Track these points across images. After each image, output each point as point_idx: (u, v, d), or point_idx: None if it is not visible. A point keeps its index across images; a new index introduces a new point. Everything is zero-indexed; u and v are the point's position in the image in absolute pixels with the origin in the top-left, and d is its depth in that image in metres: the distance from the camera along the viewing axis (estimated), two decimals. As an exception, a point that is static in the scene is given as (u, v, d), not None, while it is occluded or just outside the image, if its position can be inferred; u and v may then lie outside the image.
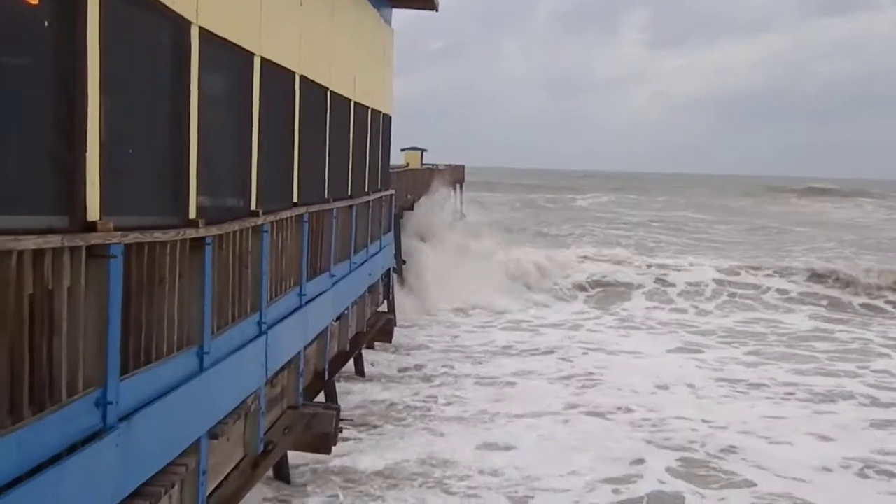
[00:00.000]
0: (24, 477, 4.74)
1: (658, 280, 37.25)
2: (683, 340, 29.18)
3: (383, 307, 22.53)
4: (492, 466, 15.72)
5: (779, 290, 36.51)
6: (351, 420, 17.38)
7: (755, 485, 15.42)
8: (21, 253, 4.79)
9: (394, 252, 24.00)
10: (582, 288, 36.77)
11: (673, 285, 36.76)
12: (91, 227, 5.67)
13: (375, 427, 17.81)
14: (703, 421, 19.13)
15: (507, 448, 16.91)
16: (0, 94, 5.03)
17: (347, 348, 16.49)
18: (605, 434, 18.17)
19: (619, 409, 20.08)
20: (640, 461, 16.37)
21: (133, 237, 6.12)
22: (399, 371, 22.85)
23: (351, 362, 20.45)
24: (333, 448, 12.82)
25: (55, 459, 5.09)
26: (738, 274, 38.09)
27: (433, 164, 61.22)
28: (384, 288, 22.61)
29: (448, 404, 20.03)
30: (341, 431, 12.94)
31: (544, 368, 24.05)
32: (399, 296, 28.25)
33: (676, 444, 17.54)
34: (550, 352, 26.29)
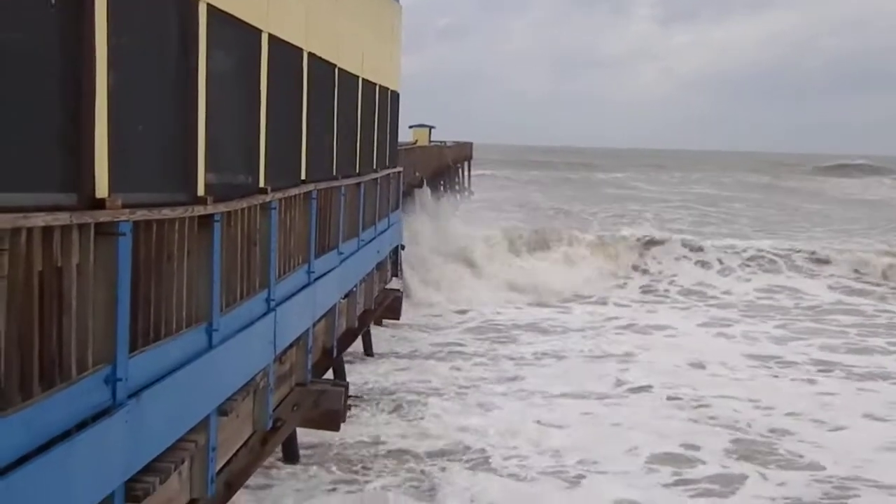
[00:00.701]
0: (34, 453, 4.76)
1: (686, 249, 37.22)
2: (709, 315, 29.43)
3: (392, 284, 22.55)
4: (546, 446, 15.65)
5: (800, 262, 36.44)
6: (360, 397, 17.43)
7: (822, 467, 15.19)
8: (30, 230, 4.80)
9: (402, 229, 23.98)
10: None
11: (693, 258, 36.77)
12: (100, 204, 5.68)
13: (423, 403, 17.94)
14: (750, 401, 18.98)
15: (559, 426, 16.88)
16: (8, 73, 5.03)
17: (356, 325, 16.51)
18: (651, 413, 18.13)
19: (660, 387, 20.02)
20: (693, 441, 16.24)
21: (141, 214, 6.12)
22: (432, 347, 23.10)
23: (359, 341, 20.50)
24: (344, 425, 12.87)
25: (65, 436, 5.11)
26: (761, 250, 38.10)
27: (441, 142, 61.25)
28: (392, 265, 22.63)
29: (490, 382, 20.13)
30: (349, 409, 12.97)
31: (576, 346, 24.25)
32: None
33: (724, 423, 17.42)
34: (581, 329, 26.51)
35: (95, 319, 5.57)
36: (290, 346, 10.89)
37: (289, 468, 13.80)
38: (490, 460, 14.96)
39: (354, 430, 15.64)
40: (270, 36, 9.91)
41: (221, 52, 8.38)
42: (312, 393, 11.83)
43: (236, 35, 9.03)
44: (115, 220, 5.67)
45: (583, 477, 14.45)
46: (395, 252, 23.03)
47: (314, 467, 14.01)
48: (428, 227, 32.84)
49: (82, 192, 5.63)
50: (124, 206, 5.80)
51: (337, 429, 12.81)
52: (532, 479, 14.31)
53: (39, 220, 4.84)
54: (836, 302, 31.87)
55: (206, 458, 7.72)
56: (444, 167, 56.11)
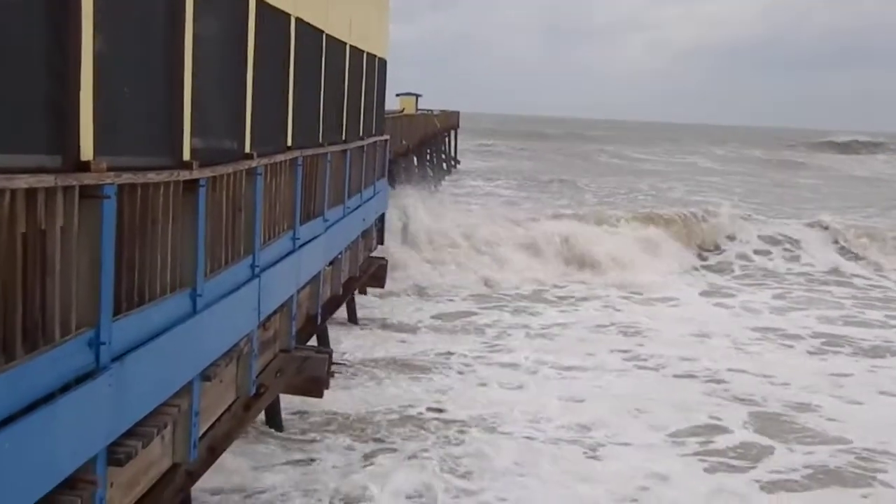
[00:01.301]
0: (18, 415, 4.76)
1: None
2: (707, 282, 30.24)
3: (376, 252, 22.56)
4: (569, 420, 15.73)
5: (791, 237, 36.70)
6: (344, 364, 17.46)
7: (849, 440, 15.33)
8: (14, 192, 4.78)
9: (387, 198, 23.94)
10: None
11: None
12: (84, 167, 5.65)
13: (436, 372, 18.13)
14: (763, 376, 19.19)
15: (579, 400, 17.00)
16: (-8, 32, 4.99)
17: (340, 293, 16.53)
18: (665, 386, 18.31)
19: (670, 359, 20.23)
20: (714, 414, 16.44)
21: (126, 178, 6.09)
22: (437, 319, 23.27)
23: (343, 309, 20.53)
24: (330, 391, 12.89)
25: (48, 398, 5.11)
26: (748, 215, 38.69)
27: (428, 110, 61.11)
28: (378, 233, 22.63)
29: (496, 351, 20.32)
30: (333, 376, 12.99)
31: (581, 318, 24.42)
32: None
33: (740, 397, 17.62)
34: (585, 299, 26.75)
35: (79, 283, 5.56)
36: (275, 312, 10.90)
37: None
38: (502, 427, 15.18)
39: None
40: (258, 1, 9.84)
41: (209, 16, 8.31)
42: (296, 359, 11.86)
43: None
44: (100, 183, 5.65)
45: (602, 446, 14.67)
46: (381, 220, 23.03)
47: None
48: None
49: (67, 155, 5.60)
50: (109, 170, 5.78)
51: (320, 395, 12.84)
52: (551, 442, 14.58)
53: (23, 181, 4.82)
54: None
55: (189, 423, 7.74)
56: (431, 136, 56.02)
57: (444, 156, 68.43)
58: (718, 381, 18.72)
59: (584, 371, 19.16)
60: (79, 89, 5.63)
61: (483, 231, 31.94)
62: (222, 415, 9.21)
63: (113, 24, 6.21)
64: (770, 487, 13.47)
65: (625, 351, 21.05)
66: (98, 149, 5.85)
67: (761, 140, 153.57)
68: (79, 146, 5.68)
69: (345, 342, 19.65)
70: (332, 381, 13.05)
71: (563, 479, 13.24)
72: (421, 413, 15.69)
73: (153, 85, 7.42)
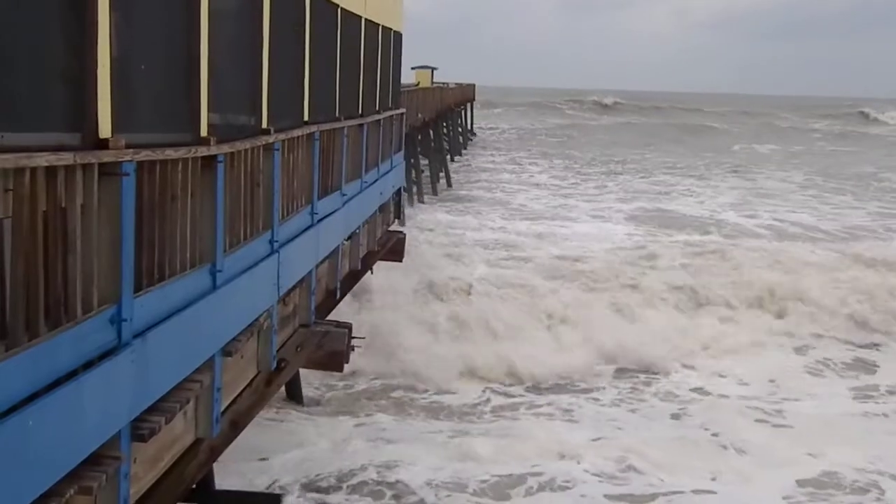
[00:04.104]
0: (42, 392, 4.79)
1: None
2: None
3: (394, 226, 22.53)
4: None
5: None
6: (364, 339, 17.51)
7: None
8: (34, 170, 4.79)
9: (404, 172, 23.88)
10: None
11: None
12: (103, 144, 5.65)
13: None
14: None
15: None
16: (10, 12, 4.98)
17: (359, 267, 16.53)
18: None
19: None
20: None
21: (145, 155, 6.10)
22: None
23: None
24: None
25: (72, 375, 5.14)
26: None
27: (443, 83, 60.96)
28: (395, 207, 22.59)
29: None
30: (353, 350, 13.02)
31: None
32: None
33: None
34: None
35: (100, 260, 5.58)
36: (294, 287, 10.91)
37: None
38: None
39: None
40: (273, -25, 9.80)
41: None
42: (316, 334, 11.87)
43: (239, -26, 8.94)
44: (119, 160, 5.66)
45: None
46: (398, 194, 22.99)
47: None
48: None
49: (86, 133, 5.60)
50: (128, 147, 5.78)
51: (341, 370, 12.87)
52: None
53: (43, 160, 4.82)
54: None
55: (210, 399, 7.78)
56: (447, 109, 55.88)
57: (460, 129, 68.29)
58: None
59: None
60: (96, 66, 5.62)
61: None
62: (244, 390, 9.25)
63: (129, 1, 6.20)
64: None
65: None
66: (116, 126, 5.85)
67: (807, 109, 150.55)
68: (97, 123, 5.68)
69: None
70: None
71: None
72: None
73: (170, 61, 7.42)
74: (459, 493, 13.58)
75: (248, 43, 9.47)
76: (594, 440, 16.21)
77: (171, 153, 6.66)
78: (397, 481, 13.55)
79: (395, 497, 13.41)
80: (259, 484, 13.31)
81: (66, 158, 5.08)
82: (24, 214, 4.77)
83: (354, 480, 13.78)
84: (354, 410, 16.60)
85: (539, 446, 15.26)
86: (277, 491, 13.53)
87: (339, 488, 13.58)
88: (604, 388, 19.68)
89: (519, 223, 35.70)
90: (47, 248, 5.02)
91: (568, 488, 14.14)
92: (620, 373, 20.66)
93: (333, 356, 12.29)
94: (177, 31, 7.45)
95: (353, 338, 12.88)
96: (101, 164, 5.51)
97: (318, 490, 13.47)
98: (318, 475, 13.60)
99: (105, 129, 5.75)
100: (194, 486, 8.22)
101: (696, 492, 14.26)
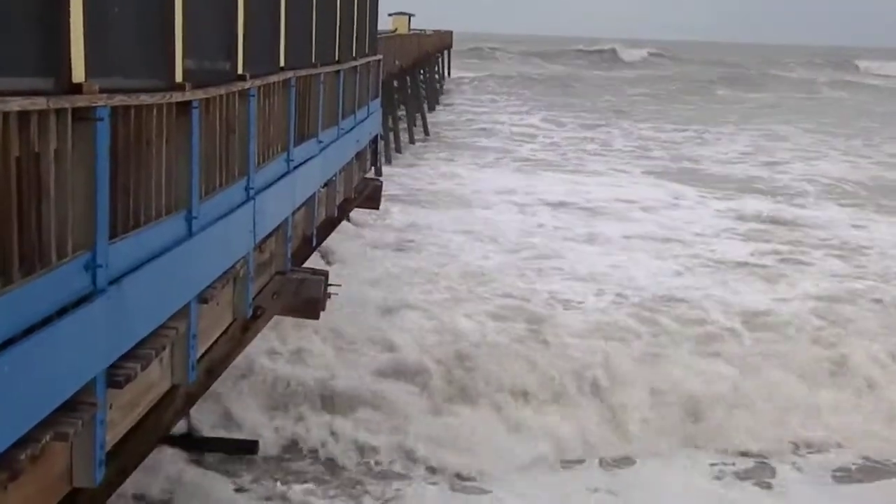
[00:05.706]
0: (17, 339, 4.78)
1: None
2: None
3: (370, 174, 22.48)
4: None
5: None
6: (340, 286, 17.49)
7: None
8: (6, 115, 4.73)
9: (381, 119, 23.79)
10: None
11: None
12: (76, 88, 5.59)
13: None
14: None
15: None
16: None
17: (336, 214, 16.51)
18: None
19: None
20: None
21: (119, 100, 6.04)
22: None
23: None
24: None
25: (47, 322, 5.12)
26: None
27: (421, 30, 60.58)
28: (372, 154, 22.52)
29: None
30: (329, 297, 13.01)
31: None
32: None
33: None
34: None
35: (75, 206, 5.53)
36: (270, 234, 10.88)
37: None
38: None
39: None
40: (249, -83, 9.68)
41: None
42: (292, 281, 11.86)
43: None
44: (93, 105, 5.60)
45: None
46: (375, 141, 22.92)
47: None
48: None
49: (59, 77, 5.54)
50: (101, 92, 5.72)
51: (317, 317, 12.85)
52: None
53: (16, 104, 4.77)
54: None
55: (186, 346, 7.78)
56: (424, 56, 55.59)
57: (437, 76, 67.97)
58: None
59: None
60: (69, 9, 5.54)
61: None
62: (220, 337, 9.26)
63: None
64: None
65: None
66: (90, 71, 5.79)
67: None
68: (70, 68, 5.61)
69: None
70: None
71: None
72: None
73: (145, 5, 7.33)
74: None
75: (224, -13, 9.36)
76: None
77: (145, 98, 6.60)
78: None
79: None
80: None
81: (40, 103, 5.02)
82: (-3, 160, 4.72)
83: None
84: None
85: None
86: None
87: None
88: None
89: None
90: (21, 193, 4.98)
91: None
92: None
93: (310, 303, 12.28)
94: (151, -25, 7.35)
95: (330, 285, 12.87)
96: (74, 109, 5.45)
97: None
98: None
99: (79, 73, 5.68)
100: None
101: None
